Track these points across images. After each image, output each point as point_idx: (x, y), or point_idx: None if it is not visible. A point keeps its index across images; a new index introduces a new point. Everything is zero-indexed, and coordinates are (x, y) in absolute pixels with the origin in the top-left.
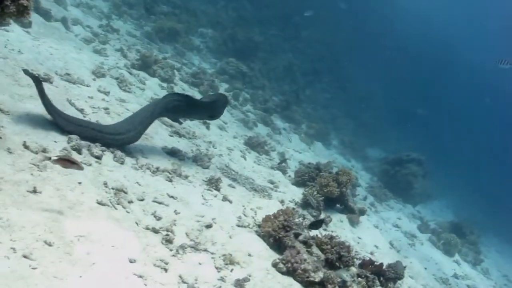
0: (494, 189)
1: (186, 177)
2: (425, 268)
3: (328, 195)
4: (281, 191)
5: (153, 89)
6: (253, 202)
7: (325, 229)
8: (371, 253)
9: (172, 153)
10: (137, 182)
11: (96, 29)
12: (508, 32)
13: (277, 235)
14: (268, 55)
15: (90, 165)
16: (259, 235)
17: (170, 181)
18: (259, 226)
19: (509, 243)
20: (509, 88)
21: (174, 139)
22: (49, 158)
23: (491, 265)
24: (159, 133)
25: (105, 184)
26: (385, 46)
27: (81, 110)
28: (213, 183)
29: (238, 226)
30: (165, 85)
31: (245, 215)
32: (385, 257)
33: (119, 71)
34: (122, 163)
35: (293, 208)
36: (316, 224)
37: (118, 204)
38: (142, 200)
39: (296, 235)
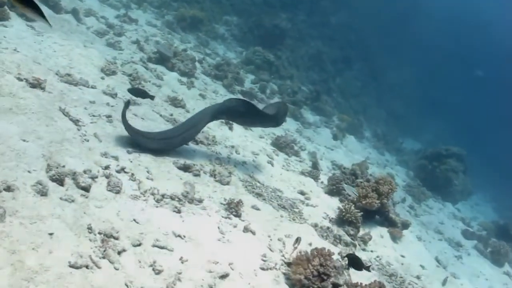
0: None
1: (200, 201)
2: None
3: (367, 207)
4: (313, 204)
5: (171, 85)
6: (281, 228)
7: (364, 249)
8: (418, 277)
9: (185, 168)
10: (135, 219)
11: (112, 20)
12: None
13: (311, 285)
14: (295, 43)
15: (72, 201)
16: (288, 282)
17: (179, 211)
18: (288, 264)
19: None
20: None
21: (190, 148)
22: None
23: None
24: None
25: (90, 228)
26: (416, 31)
27: (76, 121)
28: (232, 208)
29: (262, 269)
30: (185, 79)
31: (271, 249)
32: (433, 280)
33: (133, 66)
34: (117, 192)
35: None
36: (356, 263)
37: (103, 258)
38: (138, 245)
39: (335, 286)
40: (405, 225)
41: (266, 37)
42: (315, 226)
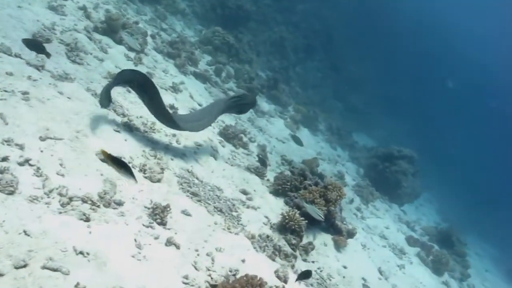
0: (476, 183)
1: (120, 204)
2: None
3: None
4: (255, 206)
5: (115, 59)
6: (212, 240)
7: (305, 260)
8: None
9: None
10: (25, 231)
11: None
12: None
13: None
14: (259, 26)
15: None
16: None
17: (87, 220)
18: (214, 287)
19: (486, 242)
20: None
21: (122, 136)
22: None
23: (475, 277)
24: (99, 128)
25: None
26: (381, 28)
27: None
28: (157, 214)
29: None
30: (132, 55)
31: (196, 268)
32: None
33: (74, 35)
34: (10, 192)
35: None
36: (305, 275)
37: None
38: (23, 267)
39: None
40: (351, 234)
41: (229, 18)
42: (251, 238)
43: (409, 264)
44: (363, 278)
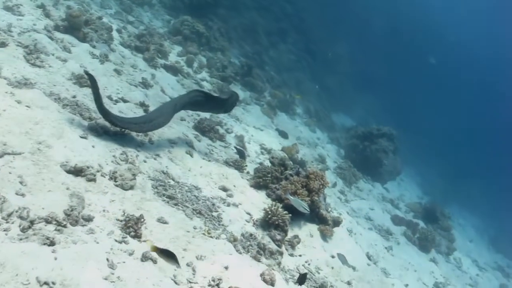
0: (452, 155)
1: (90, 219)
2: (407, 285)
3: None
4: (236, 203)
5: (80, 58)
6: (192, 247)
7: (291, 254)
8: (349, 283)
9: (77, 171)
10: None
11: None
12: None
13: None
14: (229, 12)
15: None
16: None
17: (51, 244)
18: None
19: (467, 211)
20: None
21: (89, 142)
22: None
23: (461, 249)
24: (64, 136)
25: None
26: (353, 6)
27: None
28: (130, 226)
29: None
30: (97, 52)
31: (176, 281)
32: (365, 284)
33: (34, 36)
34: None
35: None
36: (302, 280)
37: None
38: None
39: None
40: (337, 223)
41: (197, 6)
42: (234, 240)
43: (397, 245)
44: (352, 267)
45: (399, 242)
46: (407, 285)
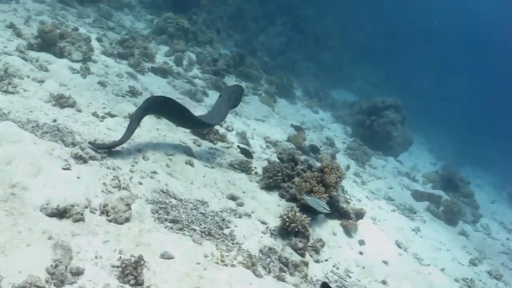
0: (459, 116)
1: (78, 273)
2: (443, 269)
3: None
4: (248, 212)
5: (59, 76)
6: (205, 283)
7: (317, 261)
8: (384, 282)
9: (60, 213)
10: None
11: None
12: None
13: None
14: (212, 2)
15: None
16: None
17: None
18: None
19: (482, 170)
20: None
21: (73, 173)
22: None
23: (485, 213)
24: (43, 171)
25: None
26: None
27: None
28: (128, 274)
29: None
30: (77, 66)
31: None
32: (401, 279)
33: (5, 59)
34: None
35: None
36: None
37: None
38: None
39: None
40: (359, 215)
41: (179, 0)
42: (252, 266)
43: (423, 223)
44: (384, 262)
45: (425, 220)
46: (443, 269)
